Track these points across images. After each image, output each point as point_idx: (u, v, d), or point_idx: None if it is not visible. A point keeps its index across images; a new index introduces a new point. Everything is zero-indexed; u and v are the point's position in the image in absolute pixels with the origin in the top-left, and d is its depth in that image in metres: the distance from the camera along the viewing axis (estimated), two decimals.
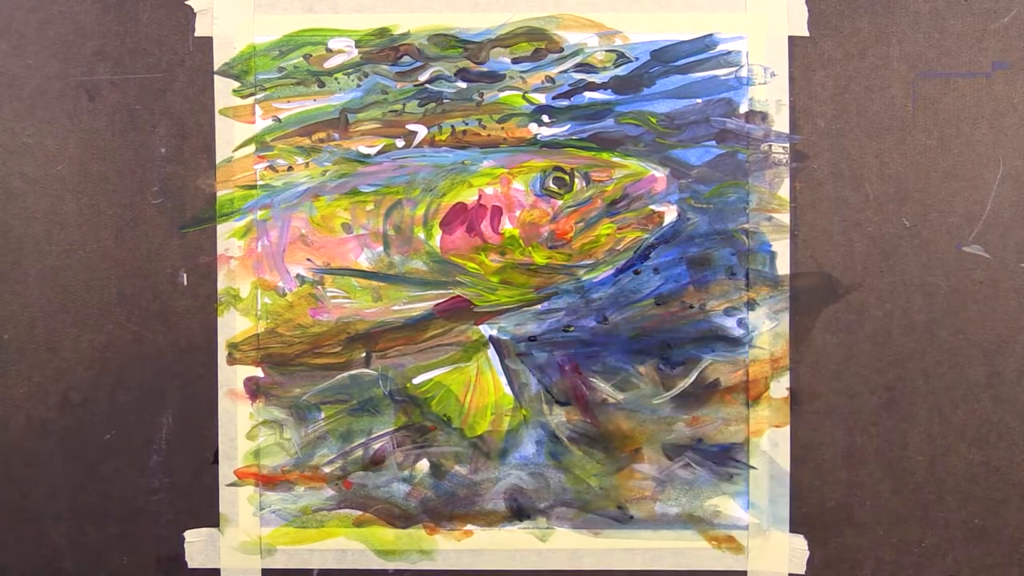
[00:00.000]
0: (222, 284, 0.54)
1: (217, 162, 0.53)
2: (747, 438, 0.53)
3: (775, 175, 0.52)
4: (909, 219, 0.53)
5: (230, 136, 0.53)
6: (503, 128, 0.53)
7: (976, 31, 0.52)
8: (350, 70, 0.53)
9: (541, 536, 0.54)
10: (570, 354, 0.53)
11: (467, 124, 0.53)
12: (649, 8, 0.52)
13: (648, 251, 0.53)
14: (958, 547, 0.53)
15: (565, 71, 0.53)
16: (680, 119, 0.53)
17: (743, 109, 0.52)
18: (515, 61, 0.53)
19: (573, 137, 0.53)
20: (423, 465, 0.54)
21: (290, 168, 0.53)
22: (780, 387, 0.53)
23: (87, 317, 0.54)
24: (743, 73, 0.52)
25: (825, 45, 0.53)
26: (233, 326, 0.54)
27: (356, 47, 0.53)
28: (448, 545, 0.54)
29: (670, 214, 0.53)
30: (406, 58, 0.53)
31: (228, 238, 0.53)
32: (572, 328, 0.53)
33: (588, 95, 0.53)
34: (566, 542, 0.54)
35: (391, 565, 0.54)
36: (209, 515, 0.54)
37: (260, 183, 0.53)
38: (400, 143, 0.53)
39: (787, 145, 0.52)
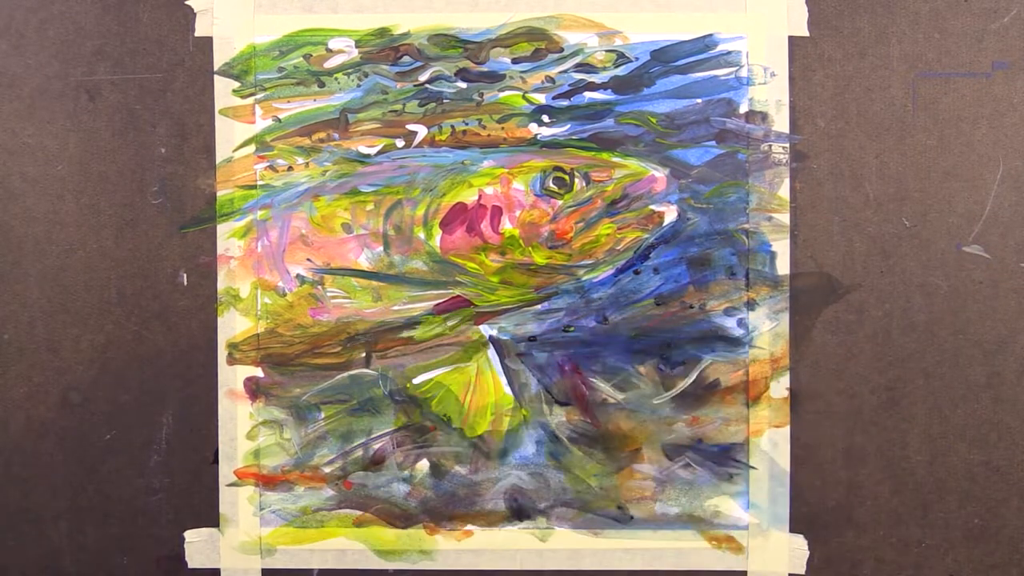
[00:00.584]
0: (222, 284, 0.54)
1: (217, 162, 0.53)
2: (747, 438, 0.53)
3: (775, 175, 0.52)
4: (909, 219, 0.53)
5: (230, 136, 0.53)
6: (503, 128, 0.53)
7: (976, 31, 0.52)
8: (350, 70, 0.53)
9: (541, 536, 0.54)
10: (570, 354, 0.53)
11: (467, 124, 0.53)
12: (649, 8, 0.52)
13: (648, 251, 0.53)
14: (958, 547, 0.53)
15: (565, 71, 0.53)
16: (680, 119, 0.53)
17: (743, 109, 0.52)
18: (515, 61, 0.53)
19: (573, 137, 0.53)
20: (423, 465, 0.54)
21: (290, 168, 0.53)
22: (780, 387, 0.53)
23: (87, 317, 0.54)
24: (743, 73, 0.52)
25: (825, 45, 0.53)
26: (233, 326, 0.54)
27: (356, 47, 0.53)
28: (448, 545, 0.54)
29: (670, 214, 0.53)
30: (406, 58, 0.53)
31: (228, 238, 0.53)
32: (572, 328, 0.53)
33: (588, 95, 0.53)
34: (566, 542, 0.54)
35: (391, 565, 0.54)
36: (209, 515, 0.54)
37: (260, 183, 0.53)
38: (400, 143, 0.53)
39: (787, 145, 0.52)
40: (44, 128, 0.54)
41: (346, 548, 0.54)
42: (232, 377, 0.54)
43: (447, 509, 0.54)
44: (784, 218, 0.53)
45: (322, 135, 0.53)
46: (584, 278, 0.53)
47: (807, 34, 0.52)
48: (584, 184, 0.53)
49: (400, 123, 0.53)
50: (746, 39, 0.52)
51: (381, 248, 0.53)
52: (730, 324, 0.53)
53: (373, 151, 0.53)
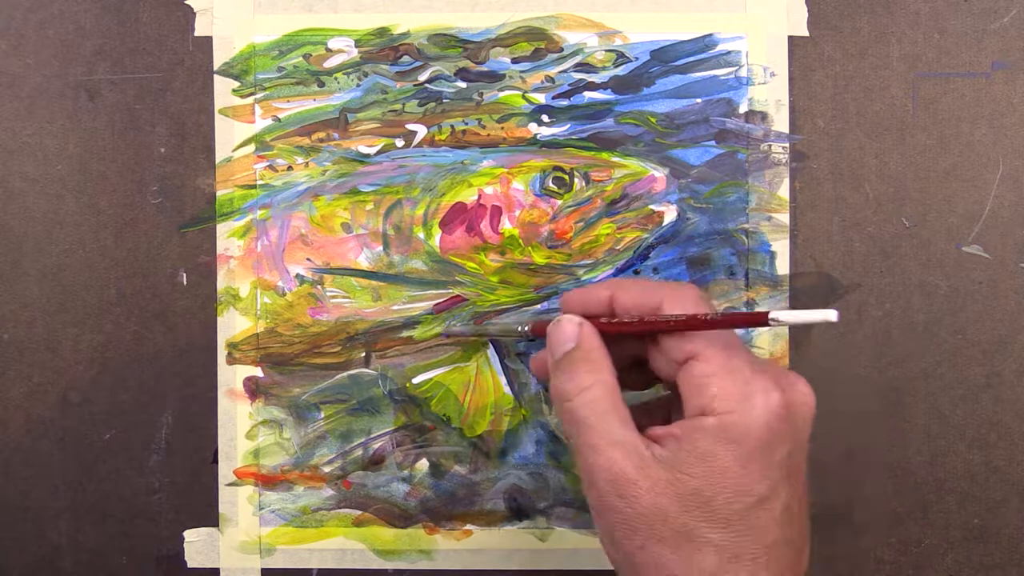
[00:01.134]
0: (222, 284, 0.54)
1: (217, 162, 0.53)
2: None
3: (775, 175, 0.52)
4: (909, 219, 0.53)
5: (230, 136, 0.53)
6: (503, 128, 0.53)
7: (976, 31, 0.52)
8: (350, 70, 0.53)
9: (541, 536, 0.54)
10: None
11: (467, 124, 0.53)
12: (649, 8, 0.52)
13: (648, 251, 0.53)
14: (958, 547, 0.53)
15: (565, 71, 0.53)
16: (680, 119, 0.53)
17: (743, 109, 0.52)
18: (515, 61, 0.53)
19: (573, 137, 0.53)
20: (423, 465, 0.54)
21: (290, 168, 0.53)
22: None
23: (87, 317, 0.54)
24: (743, 73, 0.52)
25: (825, 45, 0.53)
26: (233, 326, 0.54)
27: (356, 47, 0.53)
28: (448, 545, 0.54)
29: (670, 214, 0.53)
30: (406, 58, 0.53)
31: (228, 238, 0.54)
32: None
33: (588, 95, 0.53)
34: (566, 542, 0.54)
35: (391, 565, 0.54)
36: (209, 515, 0.54)
37: (260, 183, 0.53)
38: (400, 143, 0.53)
39: (787, 145, 0.52)
40: (44, 128, 0.54)
41: (345, 548, 0.54)
42: (232, 377, 0.54)
43: (446, 509, 0.54)
44: (784, 218, 0.53)
45: (322, 135, 0.53)
46: (584, 278, 0.53)
47: (807, 34, 0.52)
48: (584, 184, 0.53)
49: (400, 123, 0.53)
50: (746, 39, 0.52)
51: (381, 248, 0.53)
52: None
53: (373, 151, 0.53)
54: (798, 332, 0.53)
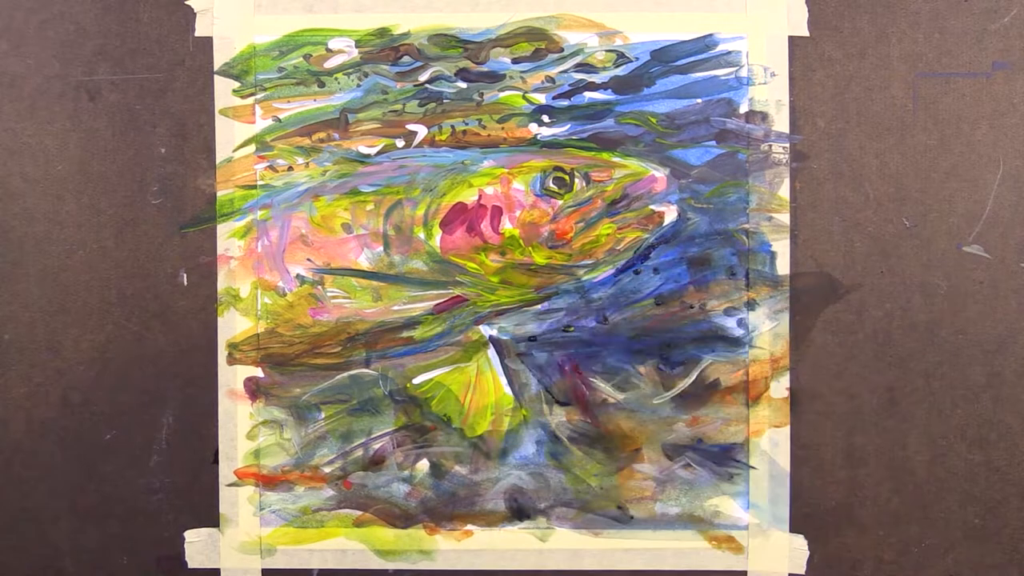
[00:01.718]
0: (222, 284, 0.54)
1: (217, 162, 0.53)
2: (747, 438, 0.53)
3: (775, 175, 0.52)
4: (909, 219, 0.53)
5: (230, 136, 0.53)
6: (503, 128, 0.53)
7: (976, 31, 0.52)
8: (350, 70, 0.53)
9: (541, 536, 0.54)
10: (570, 354, 0.53)
11: (467, 124, 0.53)
12: (649, 8, 0.52)
13: (648, 251, 0.53)
14: (958, 547, 0.53)
15: (565, 71, 0.53)
16: (680, 119, 0.53)
17: (743, 109, 0.52)
18: (515, 61, 0.53)
19: (573, 137, 0.53)
20: (423, 465, 0.54)
21: (290, 168, 0.53)
22: (780, 387, 0.53)
23: (87, 317, 0.54)
24: (743, 73, 0.52)
25: (825, 45, 0.53)
26: (233, 326, 0.54)
27: (356, 47, 0.53)
28: (448, 545, 0.54)
29: (670, 214, 0.53)
30: (406, 58, 0.53)
31: (228, 238, 0.54)
32: (572, 328, 0.53)
33: (588, 95, 0.53)
34: (566, 542, 0.54)
35: (391, 565, 0.54)
36: (209, 515, 0.54)
37: (260, 183, 0.53)
38: (400, 143, 0.53)
39: (787, 145, 0.52)
40: (44, 128, 0.54)
41: (346, 548, 0.54)
42: (232, 377, 0.54)
43: (447, 509, 0.54)
44: (784, 218, 0.53)
45: (322, 135, 0.53)
46: (584, 278, 0.53)
47: (807, 34, 0.52)
48: (584, 184, 0.53)
49: (400, 123, 0.53)
50: (746, 39, 0.52)
51: (381, 248, 0.53)
52: (730, 324, 0.53)
53: (373, 151, 0.53)
54: (798, 332, 0.53)
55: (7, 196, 0.54)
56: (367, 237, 0.53)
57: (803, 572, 0.53)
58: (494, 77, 0.53)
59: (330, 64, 0.53)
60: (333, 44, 0.53)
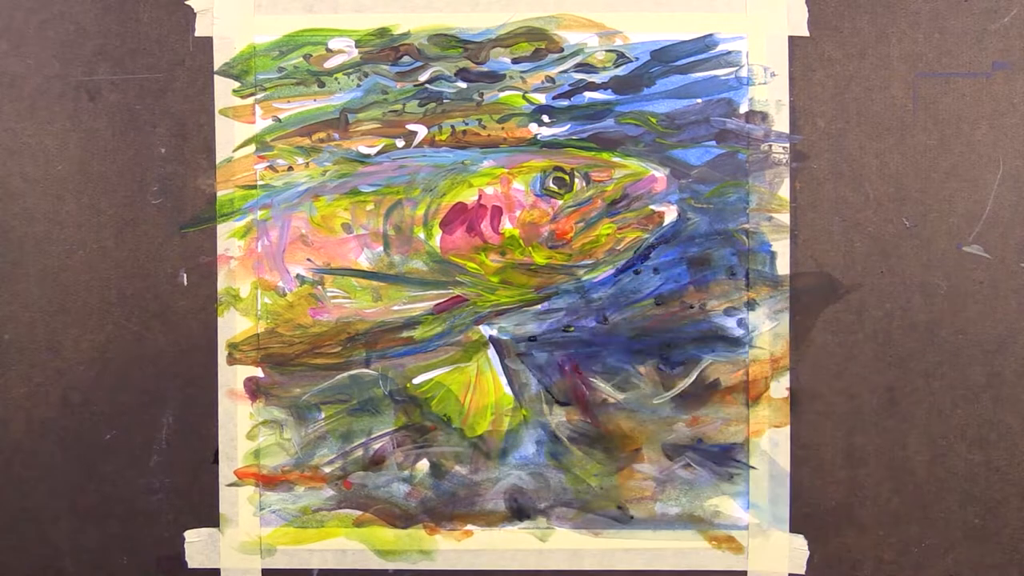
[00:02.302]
0: (222, 284, 0.54)
1: (217, 162, 0.53)
2: (747, 438, 0.53)
3: (775, 175, 0.52)
4: (909, 219, 0.53)
5: (230, 136, 0.53)
6: (503, 128, 0.53)
7: (976, 31, 0.52)
8: (350, 70, 0.53)
9: (541, 536, 0.54)
10: (570, 354, 0.53)
11: (467, 124, 0.53)
12: (649, 8, 0.52)
13: (648, 251, 0.53)
14: (958, 547, 0.53)
15: (565, 71, 0.53)
16: (680, 119, 0.53)
17: (743, 109, 0.52)
18: (515, 61, 0.53)
19: (573, 137, 0.53)
20: (423, 465, 0.54)
21: (290, 168, 0.53)
22: (780, 387, 0.53)
23: (87, 317, 0.54)
24: (743, 73, 0.52)
25: (825, 45, 0.53)
26: (233, 326, 0.54)
27: (356, 47, 0.53)
28: (448, 545, 0.54)
29: (670, 214, 0.53)
30: (406, 58, 0.53)
31: (228, 238, 0.54)
32: (572, 328, 0.53)
33: (588, 95, 0.53)
34: (566, 542, 0.54)
35: (391, 565, 0.54)
36: (209, 515, 0.54)
37: (260, 183, 0.53)
38: (400, 143, 0.53)
39: (787, 145, 0.52)
40: (44, 128, 0.54)
41: (346, 548, 0.54)
42: (232, 377, 0.54)
43: (447, 509, 0.54)
44: (784, 218, 0.53)
45: (322, 135, 0.53)
46: (584, 278, 0.53)
47: (807, 34, 0.52)
48: (584, 184, 0.53)
49: (400, 123, 0.53)
50: (746, 39, 0.52)
51: (381, 248, 0.53)
52: (730, 324, 0.53)
53: (373, 151, 0.53)
54: (798, 332, 0.53)
55: (7, 196, 0.54)
56: (367, 237, 0.53)
57: (803, 572, 0.53)
58: (494, 77, 0.53)
59: (330, 64, 0.53)
60: (333, 44, 0.53)
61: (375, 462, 0.54)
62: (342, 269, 0.54)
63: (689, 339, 0.53)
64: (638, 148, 0.53)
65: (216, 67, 0.53)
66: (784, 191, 0.52)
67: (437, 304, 0.53)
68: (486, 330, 0.53)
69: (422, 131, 0.53)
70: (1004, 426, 0.53)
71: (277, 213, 0.53)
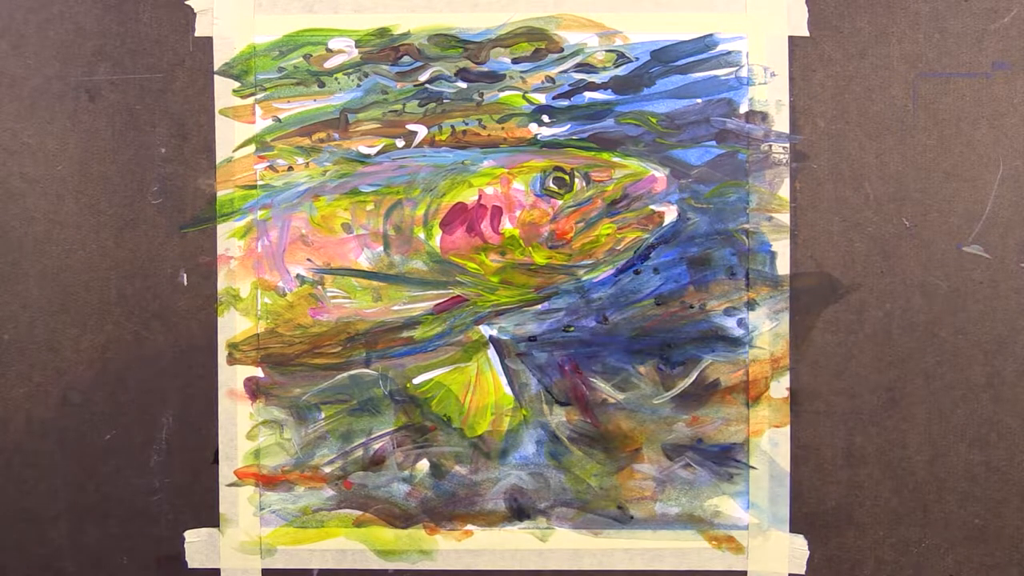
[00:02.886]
0: (222, 284, 0.54)
1: (217, 162, 0.53)
2: (747, 438, 0.53)
3: (775, 175, 0.52)
4: (909, 219, 0.53)
5: (230, 136, 0.53)
6: (503, 128, 0.53)
7: (976, 31, 0.52)
8: (350, 70, 0.53)
9: (541, 536, 0.54)
10: (570, 354, 0.53)
11: (467, 124, 0.53)
12: (649, 8, 0.52)
13: (648, 251, 0.53)
14: (958, 547, 0.53)
15: (565, 71, 0.53)
16: (680, 119, 0.53)
17: (743, 109, 0.52)
18: (515, 61, 0.53)
19: (573, 137, 0.53)
20: (423, 465, 0.54)
21: (290, 168, 0.53)
22: (780, 387, 0.53)
23: (87, 317, 0.54)
24: (743, 73, 0.52)
25: (825, 45, 0.53)
26: (233, 326, 0.54)
27: (356, 47, 0.53)
28: (448, 545, 0.54)
29: (670, 214, 0.53)
30: (406, 58, 0.53)
31: (228, 238, 0.54)
32: (572, 328, 0.53)
33: (588, 95, 0.53)
34: (566, 542, 0.54)
35: (391, 565, 0.54)
36: (209, 515, 0.54)
37: (260, 183, 0.53)
38: (400, 143, 0.53)
39: (787, 145, 0.52)
40: (44, 128, 0.54)
41: (346, 548, 0.54)
42: (232, 377, 0.54)
43: (447, 509, 0.54)
44: (784, 218, 0.53)
45: (322, 135, 0.53)
46: (584, 278, 0.53)
47: (807, 34, 0.52)
48: (584, 184, 0.53)
49: (400, 123, 0.53)
50: (746, 39, 0.52)
51: (381, 248, 0.53)
52: (730, 324, 0.53)
53: (373, 151, 0.53)
54: (798, 332, 0.53)
55: (7, 196, 0.54)
56: (367, 237, 0.53)
57: (803, 572, 0.53)
58: (494, 77, 0.53)
59: (330, 64, 0.53)
60: (333, 44, 0.53)
61: (375, 462, 0.54)
62: (342, 269, 0.54)
63: (689, 339, 0.53)
64: (638, 148, 0.53)
65: (216, 67, 0.53)
66: (784, 191, 0.52)
67: (437, 304, 0.53)
68: (486, 330, 0.53)
69: (422, 131, 0.53)
70: (1004, 426, 0.53)
71: (277, 213, 0.53)
